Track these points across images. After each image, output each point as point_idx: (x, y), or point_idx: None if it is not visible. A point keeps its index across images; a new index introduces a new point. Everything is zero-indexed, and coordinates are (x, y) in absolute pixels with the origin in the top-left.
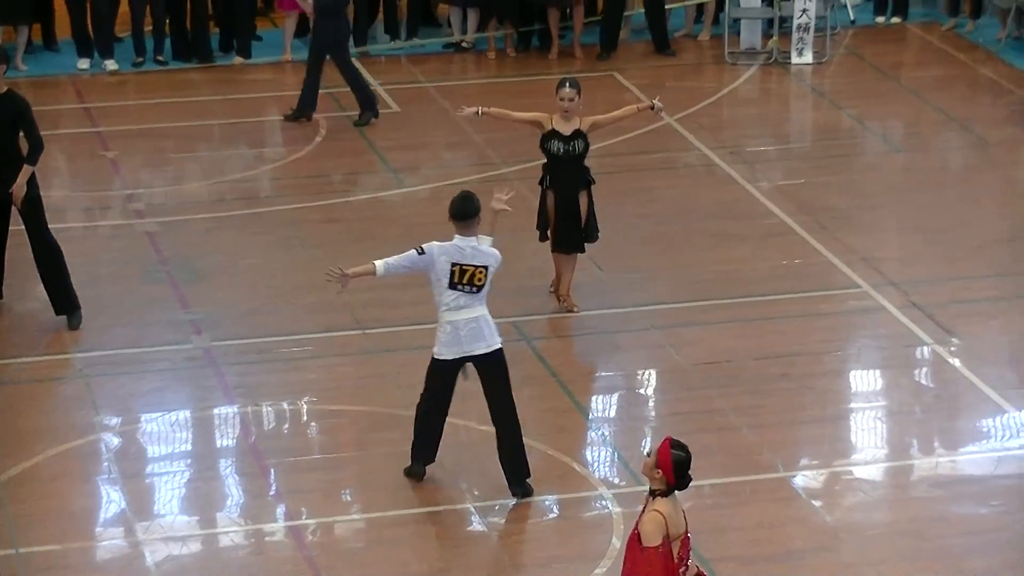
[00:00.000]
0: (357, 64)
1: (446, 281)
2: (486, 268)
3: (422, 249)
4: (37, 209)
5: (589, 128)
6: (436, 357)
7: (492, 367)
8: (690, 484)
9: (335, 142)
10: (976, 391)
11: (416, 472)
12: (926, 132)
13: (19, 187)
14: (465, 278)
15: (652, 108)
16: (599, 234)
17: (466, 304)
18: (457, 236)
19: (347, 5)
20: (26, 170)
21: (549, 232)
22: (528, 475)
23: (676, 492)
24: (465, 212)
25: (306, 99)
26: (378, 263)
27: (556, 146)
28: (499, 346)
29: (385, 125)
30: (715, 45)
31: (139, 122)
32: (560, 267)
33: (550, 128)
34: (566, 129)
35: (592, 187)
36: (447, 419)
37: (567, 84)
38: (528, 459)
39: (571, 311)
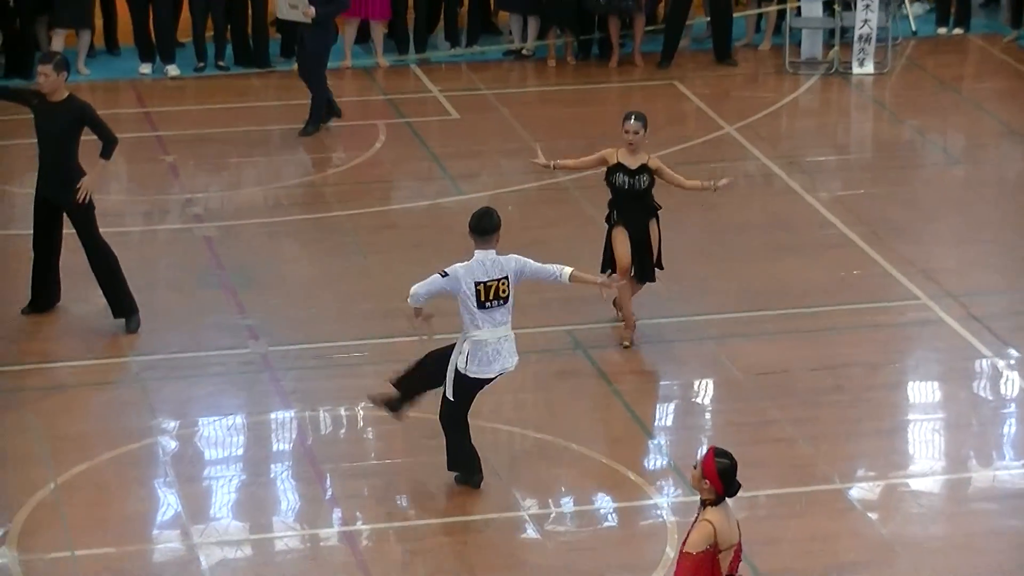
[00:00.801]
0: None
1: (474, 302)
2: (506, 278)
3: (445, 272)
4: (88, 214)
5: (655, 170)
6: (472, 376)
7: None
8: (739, 490)
9: (393, 148)
10: None
11: (468, 481)
12: (986, 144)
13: (92, 182)
14: (491, 294)
15: (714, 189)
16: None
17: (500, 320)
18: (476, 251)
19: (336, 16)
20: (100, 166)
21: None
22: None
23: (727, 501)
24: (483, 227)
25: (319, 109)
26: (409, 298)
27: (621, 179)
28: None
29: (444, 132)
30: (776, 55)
31: (199, 127)
32: (626, 295)
33: (615, 161)
34: (632, 162)
35: (659, 213)
36: (467, 435)
37: (632, 117)
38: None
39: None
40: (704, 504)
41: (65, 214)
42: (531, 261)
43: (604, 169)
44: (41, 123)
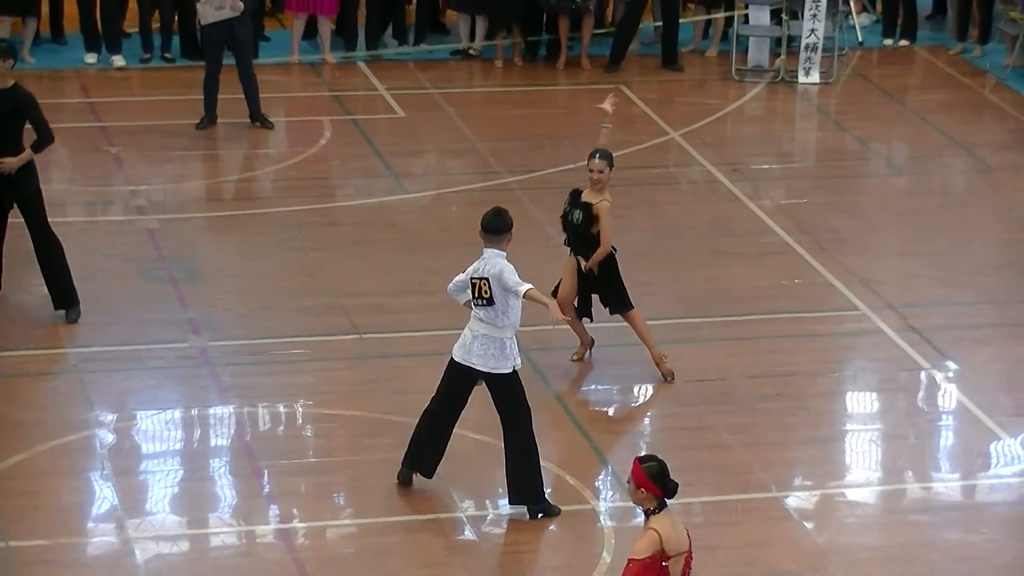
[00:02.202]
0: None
1: (471, 296)
2: (487, 280)
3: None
4: (37, 203)
5: (596, 213)
6: (452, 354)
7: (496, 387)
8: (677, 489)
9: (339, 145)
10: (971, 417)
11: (402, 476)
12: (930, 155)
13: (10, 163)
14: (476, 291)
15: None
16: (620, 304)
17: (485, 319)
18: (485, 250)
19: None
20: (27, 154)
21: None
22: (515, 499)
23: (670, 508)
24: (495, 226)
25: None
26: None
27: (565, 204)
28: (505, 372)
29: (390, 130)
30: (722, 61)
31: (143, 119)
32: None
33: (579, 187)
34: (586, 196)
35: (614, 256)
36: (442, 431)
37: (596, 156)
38: (523, 487)
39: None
40: (647, 515)
41: (16, 204)
42: (509, 270)
43: (567, 187)
44: None
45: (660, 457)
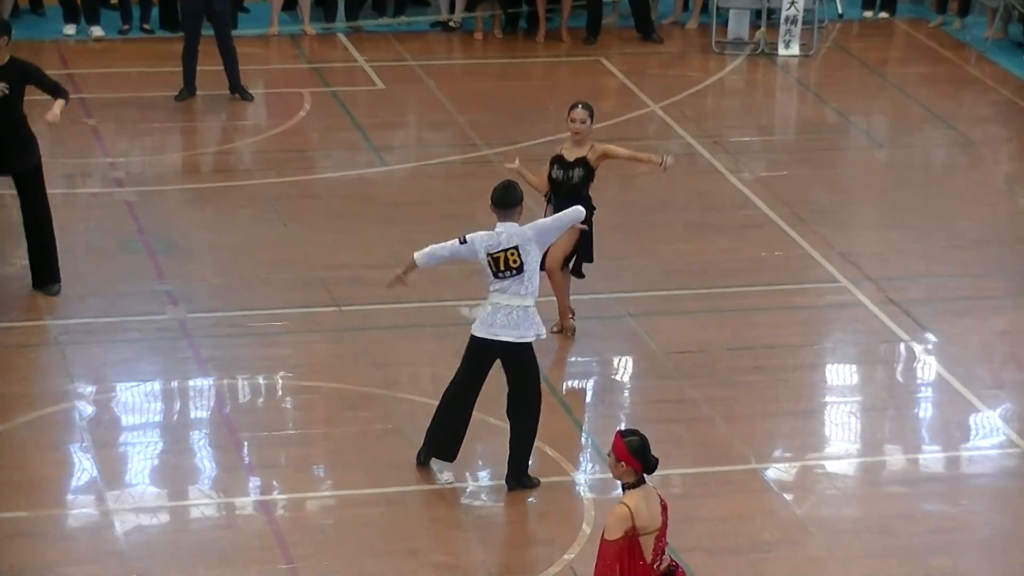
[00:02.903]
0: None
1: (491, 272)
2: (516, 248)
3: (464, 239)
4: (39, 178)
5: (599, 156)
6: (472, 331)
7: (513, 358)
8: (658, 464)
9: (318, 117)
10: (950, 389)
11: (421, 457)
12: (910, 128)
13: (54, 115)
14: (501, 264)
15: (662, 165)
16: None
17: (512, 290)
18: (497, 224)
19: None
20: (61, 102)
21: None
22: (519, 482)
23: (649, 484)
24: (505, 201)
25: (233, 71)
26: (416, 254)
27: (556, 172)
28: (528, 340)
29: (369, 102)
30: (702, 34)
31: (122, 90)
32: (561, 288)
33: (557, 152)
34: (571, 155)
35: (593, 214)
36: (459, 413)
37: (579, 106)
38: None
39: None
40: (624, 488)
41: (15, 176)
42: (542, 220)
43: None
44: None
45: (641, 432)
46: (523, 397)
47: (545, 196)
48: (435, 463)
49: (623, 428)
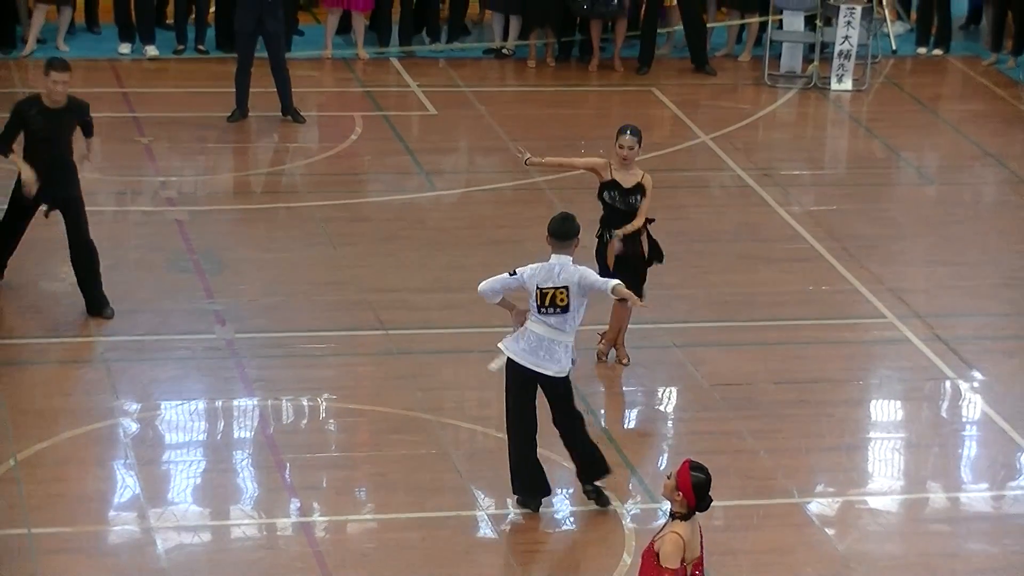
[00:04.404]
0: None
1: (535, 304)
2: (566, 288)
3: (514, 272)
4: (79, 208)
5: (646, 184)
6: (510, 355)
7: (554, 388)
8: (711, 505)
9: (370, 141)
10: (995, 428)
11: (533, 507)
12: (960, 166)
13: (89, 160)
14: (547, 300)
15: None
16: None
17: (554, 325)
18: (552, 256)
19: None
20: (92, 142)
21: None
22: (604, 469)
23: (696, 515)
24: (563, 232)
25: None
26: (479, 288)
27: (616, 198)
28: (566, 373)
29: (421, 127)
30: (755, 66)
31: (176, 110)
32: (617, 317)
33: (610, 178)
34: (626, 180)
35: (651, 225)
36: (530, 445)
37: (628, 132)
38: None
39: (622, 363)
40: (673, 516)
41: (59, 206)
42: (591, 273)
43: (597, 183)
44: (43, 127)
45: (708, 471)
46: (569, 415)
47: (598, 235)
48: (475, 488)
49: (693, 460)
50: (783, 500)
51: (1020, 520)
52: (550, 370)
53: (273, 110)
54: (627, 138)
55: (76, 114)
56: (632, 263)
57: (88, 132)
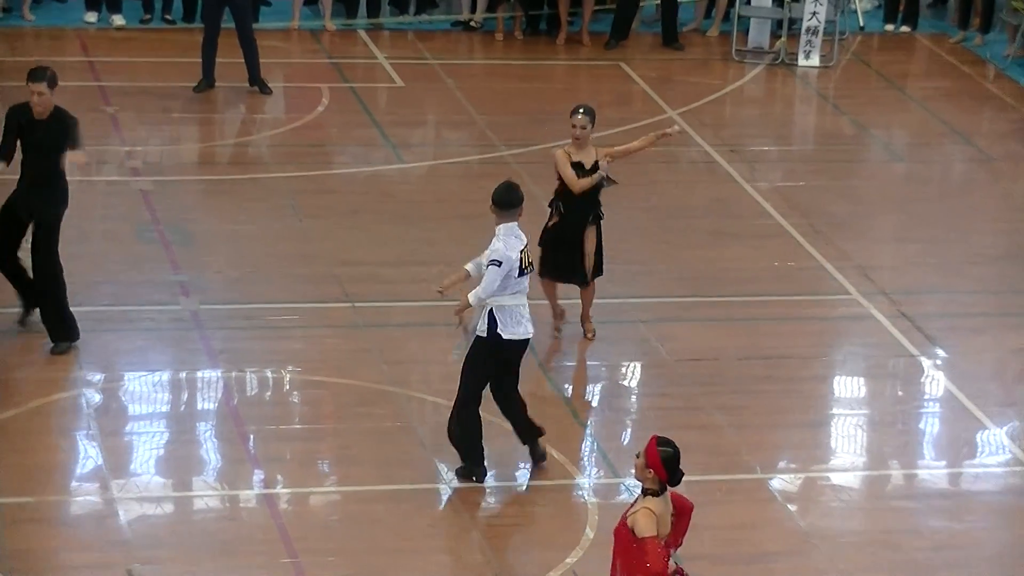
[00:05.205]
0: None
1: (517, 271)
2: (526, 246)
3: (497, 262)
4: (51, 234)
5: (606, 161)
6: (509, 338)
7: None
8: (682, 478)
9: (336, 113)
10: (959, 405)
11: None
12: (928, 143)
13: (82, 156)
14: (525, 261)
15: (668, 135)
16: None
17: (524, 288)
18: (501, 225)
19: None
20: (81, 154)
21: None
22: (538, 432)
23: (668, 491)
24: (509, 201)
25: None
26: (471, 296)
27: (602, 180)
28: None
29: (388, 99)
30: (723, 42)
31: (142, 80)
32: (554, 294)
33: (575, 160)
34: (586, 159)
35: (601, 222)
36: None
37: (580, 111)
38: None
39: (587, 337)
40: (645, 493)
41: (33, 223)
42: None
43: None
44: (29, 138)
45: (676, 444)
46: (515, 382)
47: (552, 204)
48: (440, 462)
49: (660, 436)
50: (747, 476)
51: (982, 497)
52: (532, 330)
53: (240, 81)
54: (579, 117)
55: (59, 128)
56: (576, 241)
57: (76, 147)
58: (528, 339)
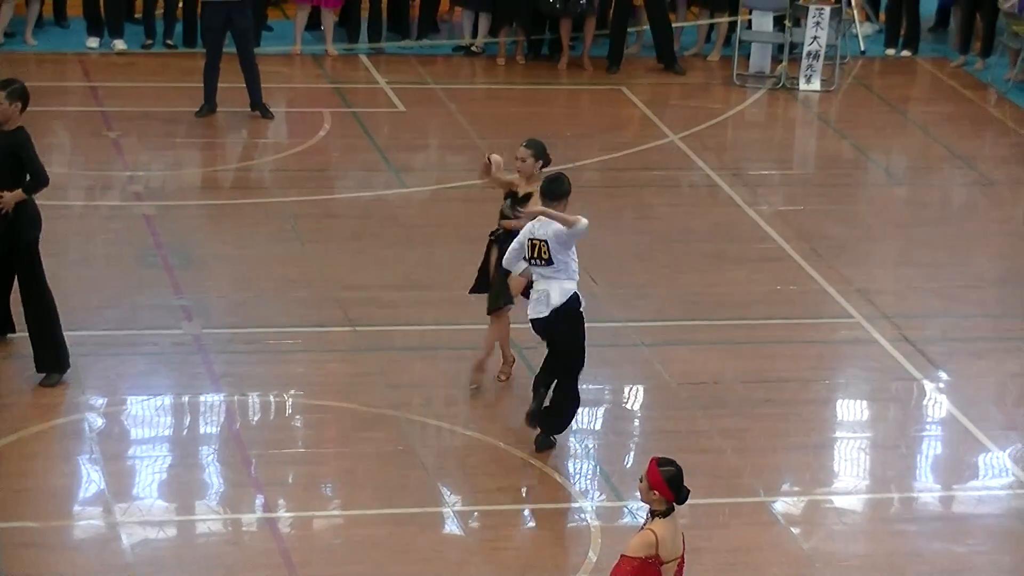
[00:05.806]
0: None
1: (527, 254)
2: (546, 242)
3: (519, 244)
4: (34, 255)
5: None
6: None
7: (551, 329)
8: (689, 496)
9: (338, 138)
10: (961, 428)
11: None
12: (929, 167)
13: (10, 200)
14: (535, 252)
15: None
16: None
17: (541, 275)
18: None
19: None
20: (17, 194)
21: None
22: (547, 432)
23: (676, 513)
24: (553, 191)
25: (255, 88)
26: (506, 263)
27: (507, 203)
28: (550, 311)
29: (390, 124)
30: (724, 66)
31: (144, 104)
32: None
33: (515, 188)
34: (522, 189)
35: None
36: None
37: (523, 144)
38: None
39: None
40: (653, 515)
41: (10, 253)
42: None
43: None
44: None
45: (677, 463)
46: (559, 359)
47: (492, 234)
48: (443, 485)
49: (660, 456)
50: (749, 499)
51: (984, 520)
52: (539, 315)
53: (242, 105)
54: (521, 150)
55: (14, 145)
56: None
57: (30, 183)
58: (538, 320)
